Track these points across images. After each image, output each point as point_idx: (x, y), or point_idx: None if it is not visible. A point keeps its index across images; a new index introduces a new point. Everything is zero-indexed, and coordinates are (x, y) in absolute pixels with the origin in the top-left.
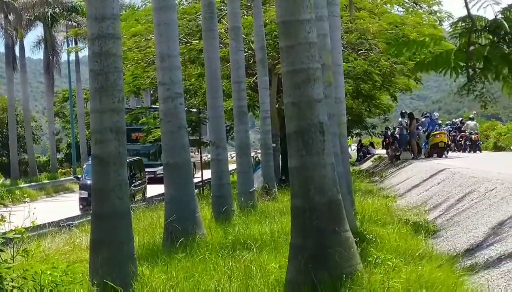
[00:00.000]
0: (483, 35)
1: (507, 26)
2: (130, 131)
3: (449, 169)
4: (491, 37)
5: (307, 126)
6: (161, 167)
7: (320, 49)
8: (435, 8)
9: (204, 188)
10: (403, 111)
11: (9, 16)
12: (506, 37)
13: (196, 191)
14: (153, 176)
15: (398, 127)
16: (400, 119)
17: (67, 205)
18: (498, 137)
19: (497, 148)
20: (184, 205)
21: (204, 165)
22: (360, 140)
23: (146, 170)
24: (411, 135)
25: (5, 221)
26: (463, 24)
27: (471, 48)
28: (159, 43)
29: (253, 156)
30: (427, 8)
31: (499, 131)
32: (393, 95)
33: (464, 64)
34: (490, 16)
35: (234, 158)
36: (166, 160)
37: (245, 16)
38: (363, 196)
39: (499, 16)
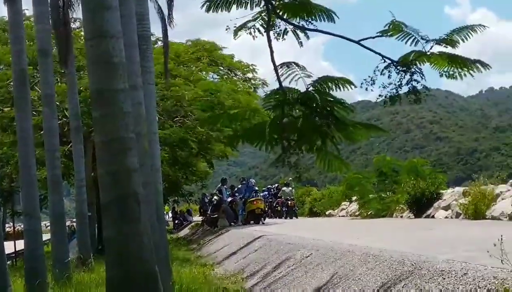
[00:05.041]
0: (296, 107)
1: (318, 98)
2: None
3: (266, 236)
4: (303, 109)
5: (124, 196)
6: None
7: (135, 117)
8: (250, 75)
9: (17, 259)
10: (224, 177)
11: None
12: (318, 109)
13: (8, 262)
14: None
15: (216, 194)
16: (219, 186)
17: None
18: (313, 202)
19: (312, 213)
20: None
21: (18, 235)
22: (174, 208)
23: None
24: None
25: None
26: (276, 96)
27: (285, 120)
28: None
29: (68, 225)
30: (241, 75)
31: (314, 196)
32: (210, 162)
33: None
34: (304, 88)
35: (49, 228)
36: None
37: (59, 83)
38: (181, 264)
39: (311, 88)
